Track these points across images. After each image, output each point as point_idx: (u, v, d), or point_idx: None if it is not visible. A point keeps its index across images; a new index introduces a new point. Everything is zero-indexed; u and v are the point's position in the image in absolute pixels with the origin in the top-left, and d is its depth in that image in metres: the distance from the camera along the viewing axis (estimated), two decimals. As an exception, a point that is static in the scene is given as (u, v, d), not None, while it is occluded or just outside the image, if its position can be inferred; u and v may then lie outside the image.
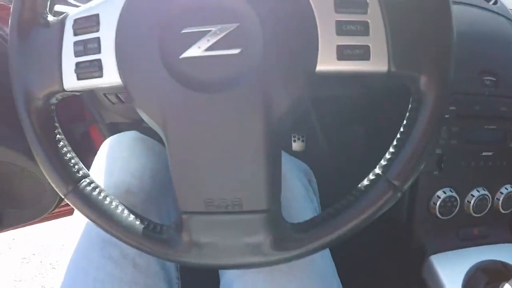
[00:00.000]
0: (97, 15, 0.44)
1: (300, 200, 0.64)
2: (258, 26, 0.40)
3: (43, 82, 0.46)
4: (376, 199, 0.43)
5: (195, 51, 0.41)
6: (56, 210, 1.06)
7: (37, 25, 0.46)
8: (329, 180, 0.88)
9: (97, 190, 0.49)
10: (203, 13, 0.41)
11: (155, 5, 0.42)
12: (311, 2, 0.40)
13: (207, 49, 0.41)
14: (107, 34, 0.44)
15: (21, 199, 0.97)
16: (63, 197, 0.48)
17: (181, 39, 0.41)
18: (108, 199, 0.49)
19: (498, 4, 0.96)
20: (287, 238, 0.45)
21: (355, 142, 1.11)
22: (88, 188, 0.49)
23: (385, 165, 0.44)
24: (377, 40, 0.40)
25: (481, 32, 0.85)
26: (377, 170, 0.44)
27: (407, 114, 0.43)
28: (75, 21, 0.45)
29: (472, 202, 0.81)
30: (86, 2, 0.47)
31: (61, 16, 0.47)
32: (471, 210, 0.81)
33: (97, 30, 0.44)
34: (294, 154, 0.79)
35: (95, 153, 0.70)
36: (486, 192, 0.82)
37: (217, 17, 0.41)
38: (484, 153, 0.81)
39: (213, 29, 0.41)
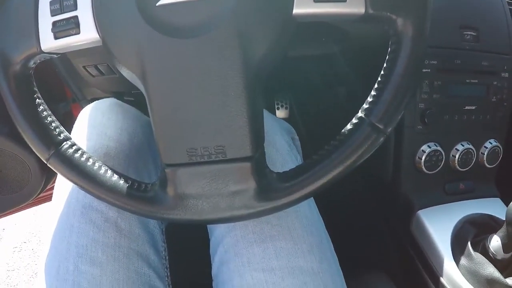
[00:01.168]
0: None
1: (283, 154, 0.64)
2: None
3: (20, 45, 0.45)
4: (361, 143, 0.43)
5: None
6: (42, 195, 1.04)
7: None
8: (312, 142, 0.88)
9: (79, 152, 0.48)
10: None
11: None
12: None
13: None
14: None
15: (6, 184, 0.96)
16: (45, 161, 0.47)
17: None
18: (90, 160, 0.48)
19: None
20: (273, 187, 0.44)
21: (336, 104, 1.12)
22: (70, 151, 0.48)
23: (367, 108, 0.43)
24: None
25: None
26: (360, 114, 0.44)
27: (387, 56, 0.43)
28: None
29: (457, 156, 0.82)
30: None
31: None
32: (456, 164, 0.82)
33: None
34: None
35: None
36: (471, 146, 0.83)
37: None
38: (467, 107, 0.81)
39: None
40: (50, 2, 0.43)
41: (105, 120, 0.65)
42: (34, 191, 0.98)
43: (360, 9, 0.40)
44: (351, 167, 0.43)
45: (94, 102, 0.71)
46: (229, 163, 0.43)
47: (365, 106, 0.44)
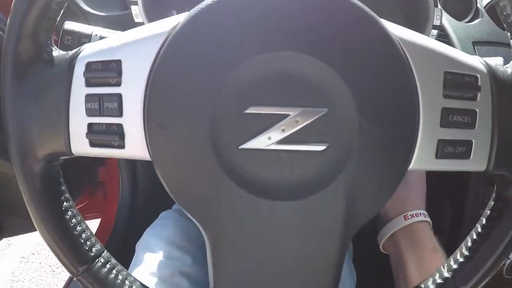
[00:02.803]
0: (118, 62, 0.34)
1: None
2: (355, 113, 0.31)
3: (45, 142, 0.36)
4: None
5: (263, 142, 0.32)
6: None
7: (39, 62, 0.36)
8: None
9: (114, 272, 0.40)
10: (279, 87, 0.32)
11: (207, 63, 0.32)
12: (418, 84, 0.33)
13: (280, 142, 0.32)
14: (132, 92, 0.34)
15: (20, 208, 0.92)
16: (74, 278, 0.39)
17: (244, 123, 0.32)
18: (127, 283, 0.40)
19: None
20: None
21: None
22: (104, 270, 0.39)
23: (455, 268, 0.37)
24: (481, 135, 0.35)
25: None
26: (446, 273, 0.37)
27: (488, 212, 0.37)
28: (88, 65, 0.35)
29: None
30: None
31: (70, 53, 0.37)
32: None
33: (118, 84, 0.34)
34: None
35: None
36: None
37: (299, 96, 0.32)
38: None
39: (291, 113, 0.31)
40: (87, 96, 0.35)
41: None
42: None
43: (482, 167, 0.36)
44: None
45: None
46: None
47: (452, 264, 0.37)
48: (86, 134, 0.35)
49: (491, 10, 0.98)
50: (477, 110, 0.34)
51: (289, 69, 0.31)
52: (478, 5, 0.97)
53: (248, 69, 0.31)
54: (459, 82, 0.34)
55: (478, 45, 0.87)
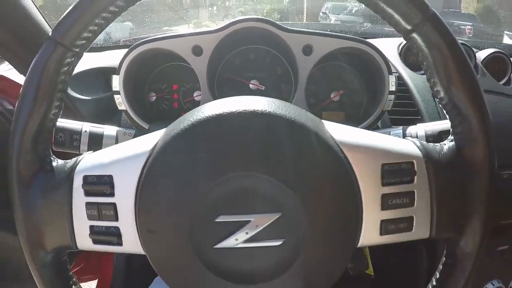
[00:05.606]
0: (110, 177, 0.40)
1: None
2: (303, 215, 0.38)
3: (53, 238, 0.42)
4: None
5: (231, 242, 0.38)
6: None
7: (41, 172, 0.42)
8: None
9: None
10: (241, 200, 0.38)
11: (184, 180, 0.38)
12: (359, 179, 0.39)
13: (245, 241, 0.38)
14: (124, 202, 0.40)
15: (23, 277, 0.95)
16: None
17: (216, 228, 0.38)
18: None
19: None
20: None
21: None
22: None
23: None
24: (420, 210, 0.40)
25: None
26: None
27: (440, 267, 0.43)
28: (85, 178, 0.41)
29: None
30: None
31: (68, 165, 0.43)
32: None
33: (112, 195, 0.40)
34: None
35: None
36: (501, 285, 0.81)
37: (256, 205, 0.38)
38: (499, 248, 0.80)
39: (252, 219, 0.38)
40: (87, 204, 0.41)
41: None
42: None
43: (425, 235, 0.41)
44: None
45: None
46: None
47: None
48: (89, 234, 0.41)
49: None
50: (415, 190, 0.40)
51: (249, 185, 0.38)
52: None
53: (218, 185, 0.38)
54: (396, 170, 0.39)
55: None
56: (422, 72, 0.99)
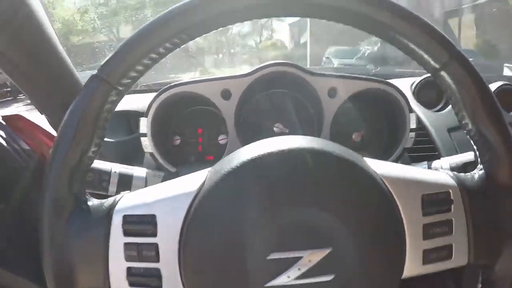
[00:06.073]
0: (153, 216, 0.39)
1: None
2: (352, 247, 0.38)
3: (83, 280, 0.40)
4: None
5: (284, 279, 0.38)
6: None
7: (77, 210, 0.41)
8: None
9: None
10: (293, 235, 0.38)
11: (233, 220, 0.38)
12: (402, 211, 0.40)
13: (297, 278, 0.38)
14: (167, 242, 0.39)
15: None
16: None
17: (267, 266, 0.38)
18: None
19: None
20: None
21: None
22: None
23: None
24: (458, 237, 0.41)
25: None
26: None
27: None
28: (125, 217, 0.40)
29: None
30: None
31: (107, 204, 0.42)
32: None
33: (154, 235, 0.39)
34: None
35: None
36: None
37: (308, 240, 0.38)
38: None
39: (303, 255, 0.38)
40: (125, 245, 0.39)
41: None
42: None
43: (464, 261, 0.42)
44: None
45: None
46: None
47: None
48: (126, 276, 0.39)
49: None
50: (453, 219, 0.41)
51: (300, 220, 0.38)
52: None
53: (268, 224, 0.38)
54: (435, 200, 0.41)
55: (453, 131, 0.96)
56: (436, 109, 1.02)
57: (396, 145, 0.81)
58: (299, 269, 0.38)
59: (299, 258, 0.38)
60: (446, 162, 0.73)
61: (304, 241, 0.38)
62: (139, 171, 0.75)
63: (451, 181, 0.43)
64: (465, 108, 0.42)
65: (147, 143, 0.79)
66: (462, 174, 0.45)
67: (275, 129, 0.88)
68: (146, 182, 0.75)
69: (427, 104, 1.01)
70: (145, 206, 0.40)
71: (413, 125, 0.80)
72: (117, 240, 0.40)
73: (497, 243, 0.42)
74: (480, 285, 0.44)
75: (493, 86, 1.05)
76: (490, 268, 0.43)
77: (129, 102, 0.99)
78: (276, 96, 0.88)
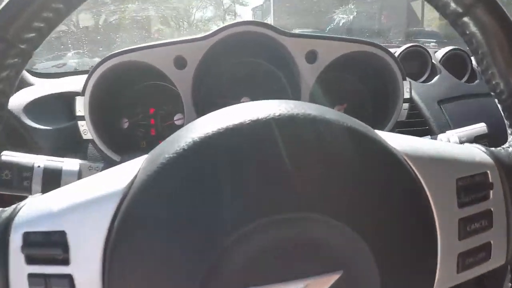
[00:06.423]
0: (62, 234, 0.25)
1: None
2: (373, 268, 0.25)
3: None
4: None
5: None
6: None
7: None
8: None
9: None
10: (282, 258, 0.24)
11: (185, 236, 0.24)
12: (432, 204, 0.28)
13: None
14: (85, 274, 0.25)
15: None
16: None
17: None
18: None
19: None
20: None
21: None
22: None
23: None
24: (498, 232, 0.32)
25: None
26: None
27: None
28: (26, 236, 0.26)
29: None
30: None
31: (4, 217, 0.27)
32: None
33: (66, 262, 0.25)
34: None
35: None
36: None
37: (306, 263, 0.25)
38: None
39: (302, 286, 0.24)
40: (29, 276, 0.26)
41: None
42: None
43: (502, 260, 0.33)
44: None
45: None
46: None
47: None
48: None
49: (446, 63, 0.99)
50: (492, 209, 0.31)
51: (293, 233, 0.24)
52: (433, 60, 0.97)
53: (245, 239, 0.23)
54: (472, 185, 0.31)
55: (443, 103, 0.86)
56: (422, 80, 0.94)
57: (386, 119, 0.70)
58: None
59: None
60: (453, 135, 0.62)
61: (300, 265, 0.25)
62: (70, 164, 0.58)
63: (488, 159, 0.33)
64: (495, 63, 0.34)
65: (85, 128, 0.64)
66: (494, 149, 0.35)
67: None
68: (79, 177, 0.58)
69: (411, 76, 0.91)
70: (51, 218, 0.26)
71: (407, 94, 0.68)
72: (19, 271, 0.26)
73: None
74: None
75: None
76: None
77: (72, 83, 0.82)
78: (242, 64, 0.74)
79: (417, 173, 0.28)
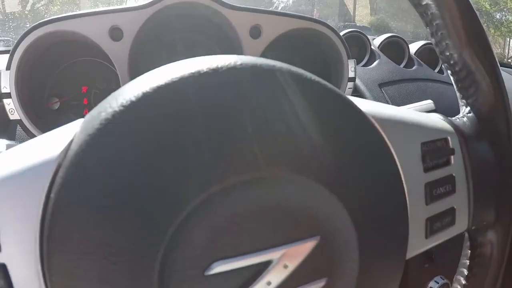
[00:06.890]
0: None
1: None
2: (351, 232, 0.24)
3: None
4: None
5: None
6: None
7: None
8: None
9: None
10: (250, 227, 0.22)
11: (137, 210, 0.20)
12: (400, 168, 0.28)
13: None
14: (20, 261, 0.21)
15: None
16: None
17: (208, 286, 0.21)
18: None
19: None
20: None
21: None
22: None
23: None
24: (460, 197, 0.33)
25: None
26: None
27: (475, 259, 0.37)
28: None
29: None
30: None
31: None
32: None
33: None
34: None
35: None
36: (446, 281, 0.78)
37: (278, 230, 0.22)
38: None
39: (275, 257, 0.22)
40: None
41: None
42: None
43: (464, 227, 0.34)
44: None
45: None
46: None
47: None
48: None
49: (385, 48, 1.01)
50: (453, 174, 0.32)
51: (261, 197, 0.22)
52: (372, 46, 0.99)
53: (206, 206, 0.21)
54: (434, 150, 0.31)
55: (384, 86, 0.88)
56: (362, 64, 0.95)
57: None
58: (268, 283, 0.22)
59: (267, 263, 0.22)
60: None
61: (271, 233, 0.22)
62: None
63: (447, 126, 0.34)
64: (450, 35, 0.34)
65: (12, 107, 0.58)
66: (451, 118, 0.36)
67: None
68: None
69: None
70: None
71: (351, 73, 0.67)
72: None
73: (498, 200, 0.34)
74: (469, 251, 0.37)
75: (416, 45, 1.06)
76: (485, 230, 0.35)
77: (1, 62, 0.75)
78: (182, 39, 0.70)
79: (385, 136, 0.27)
